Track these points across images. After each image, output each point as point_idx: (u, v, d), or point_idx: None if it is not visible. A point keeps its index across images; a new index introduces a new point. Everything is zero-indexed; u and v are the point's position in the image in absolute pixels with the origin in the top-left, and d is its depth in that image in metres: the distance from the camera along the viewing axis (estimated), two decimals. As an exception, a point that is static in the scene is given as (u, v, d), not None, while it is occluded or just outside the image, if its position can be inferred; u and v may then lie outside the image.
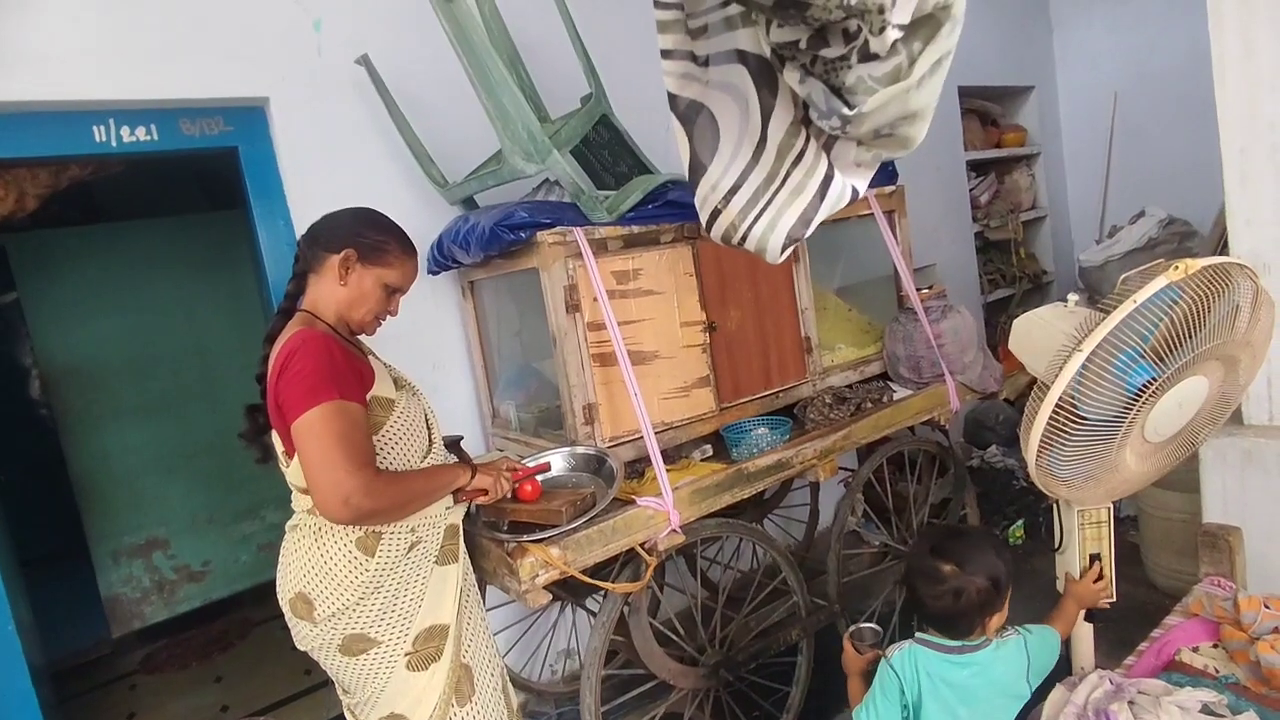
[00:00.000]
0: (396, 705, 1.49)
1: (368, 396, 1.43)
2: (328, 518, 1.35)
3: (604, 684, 1.92)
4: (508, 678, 1.73)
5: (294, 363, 1.35)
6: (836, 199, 1.38)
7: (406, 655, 1.47)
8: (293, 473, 1.47)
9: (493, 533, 1.74)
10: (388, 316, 1.61)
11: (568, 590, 2.18)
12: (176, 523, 3.79)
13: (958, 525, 2.24)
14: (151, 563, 3.73)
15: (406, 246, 1.59)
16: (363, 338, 1.63)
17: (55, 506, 3.66)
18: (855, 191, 1.40)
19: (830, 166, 1.35)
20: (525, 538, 1.69)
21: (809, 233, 1.41)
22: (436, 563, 1.53)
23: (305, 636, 1.50)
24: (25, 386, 4.05)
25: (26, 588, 2.51)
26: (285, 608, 1.51)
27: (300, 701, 2.95)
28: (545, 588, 1.71)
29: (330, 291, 1.52)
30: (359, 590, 1.43)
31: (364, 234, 1.53)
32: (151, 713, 3.10)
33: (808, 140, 1.33)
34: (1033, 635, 1.46)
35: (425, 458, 1.56)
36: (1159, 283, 1.28)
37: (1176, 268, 1.28)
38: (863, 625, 1.62)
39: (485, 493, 1.62)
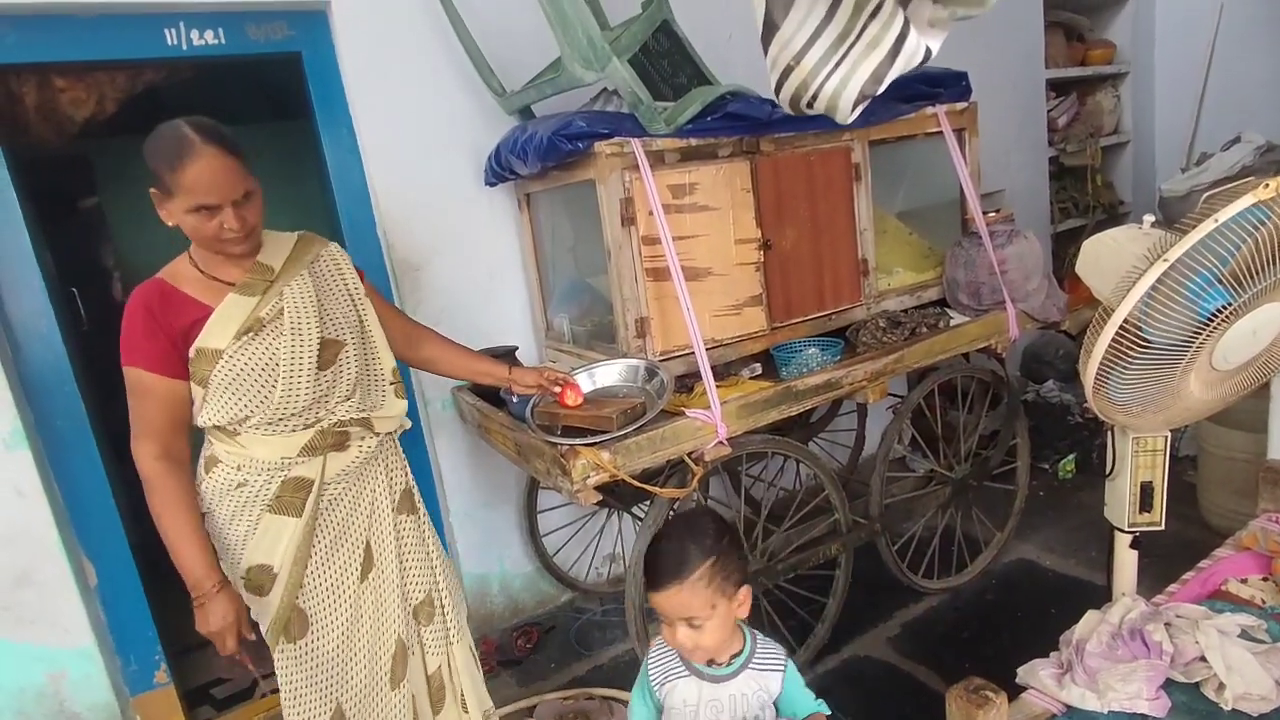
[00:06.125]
0: (253, 610, 1.54)
1: (192, 349, 1.41)
2: None
3: (648, 584, 2.02)
4: (392, 656, 1.64)
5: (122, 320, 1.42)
6: (910, 57, 1.34)
7: (241, 578, 1.50)
8: None
9: (546, 435, 1.82)
10: (236, 229, 1.37)
11: (616, 497, 2.26)
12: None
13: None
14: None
15: (174, 160, 1.31)
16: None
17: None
18: (929, 51, 1.36)
19: (906, 23, 1.32)
20: (577, 441, 1.76)
21: (880, 90, 1.38)
22: (270, 510, 1.48)
23: None
24: (110, 288, 4.28)
25: (121, 473, 2.74)
26: None
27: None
28: (595, 490, 1.79)
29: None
30: (203, 502, 1.50)
31: (151, 171, 1.35)
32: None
33: None
34: None
35: (261, 406, 1.45)
36: (1244, 201, 1.21)
37: (1267, 185, 1.21)
38: None
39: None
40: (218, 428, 1.46)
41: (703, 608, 1.20)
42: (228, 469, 1.47)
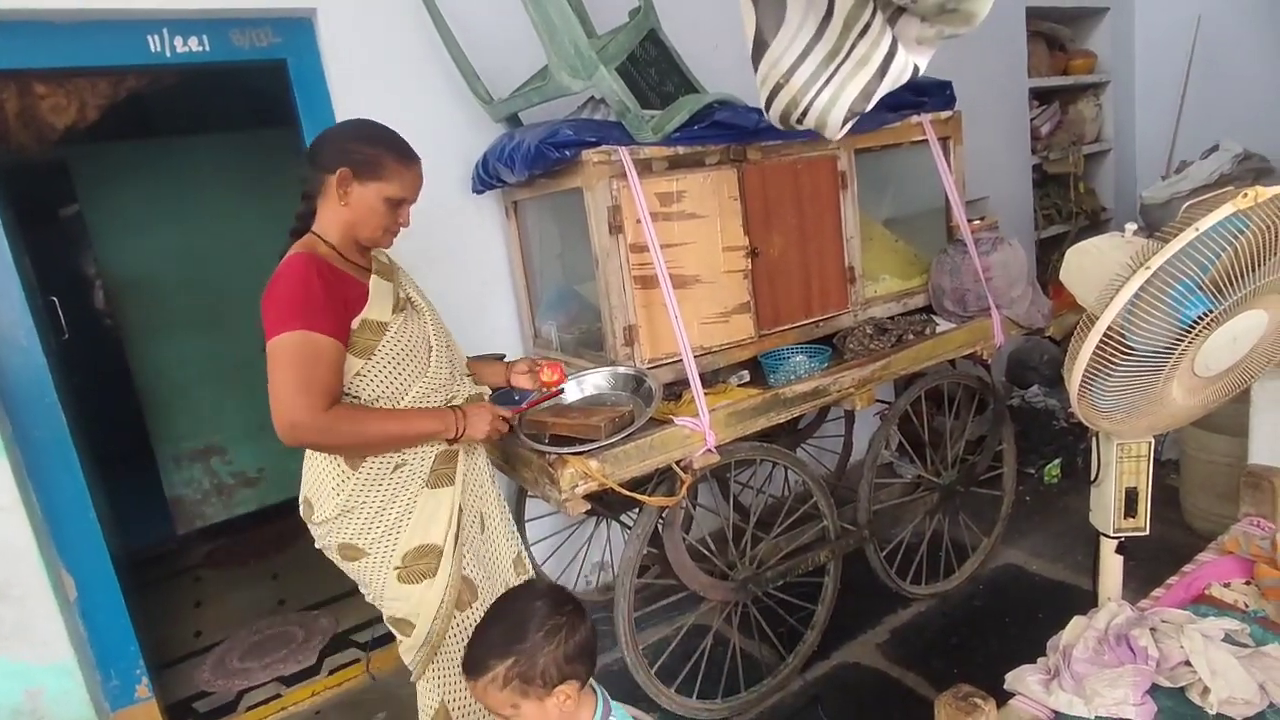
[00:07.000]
0: (398, 610, 1.55)
1: (357, 320, 1.44)
2: (280, 438, 1.39)
3: (637, 594, 2.02)
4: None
5: (272, 288, 1.40)
6: (898, 74, 1.36)
7: (396, 569, 1.52)
8: None
9: (534, 444, 1.81)
10: (405, 224, 1.57)
11: (605, 505, 2.26)
12: (232, 431, 3.98)
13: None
14: (210, 467, 3.95)
15: (403, 155, 1.52)
16: (389, 251, 1.64)
17: (124, 411, 3.87)
18: (916, 69, 1.39)
19: (894, 41, 1.33)
20: (565, 450, 1.75)
21: (869, 107, 1.40)
22: (426, 485, 1.54)
23: (315, 536, 1.59)
24: (91, 296, 4.23)
25: (102, 484, 2.70)
26: (301, 509, 1.59)
27: (352, 599, 3.14)
28: (584, 499, 1.78)
29: (333, 212, 1.49)
30: (344, 502, 1.49)
31: (356, 149, 1.47)
32: (215, 602, 3.34)
33: (874, 12, 1.32)
34: None
35: (420, 379, 1.54)
36: (1225, 210, 1.23)
37: (1245, 195, 1.23)
38: None
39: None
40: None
41: (501, 706, 1.15)
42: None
